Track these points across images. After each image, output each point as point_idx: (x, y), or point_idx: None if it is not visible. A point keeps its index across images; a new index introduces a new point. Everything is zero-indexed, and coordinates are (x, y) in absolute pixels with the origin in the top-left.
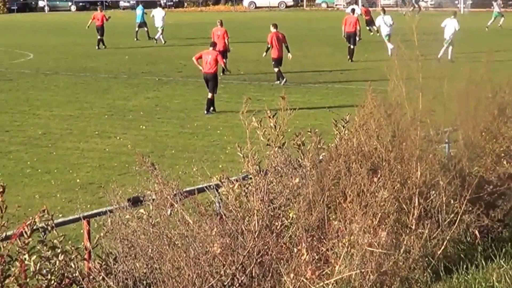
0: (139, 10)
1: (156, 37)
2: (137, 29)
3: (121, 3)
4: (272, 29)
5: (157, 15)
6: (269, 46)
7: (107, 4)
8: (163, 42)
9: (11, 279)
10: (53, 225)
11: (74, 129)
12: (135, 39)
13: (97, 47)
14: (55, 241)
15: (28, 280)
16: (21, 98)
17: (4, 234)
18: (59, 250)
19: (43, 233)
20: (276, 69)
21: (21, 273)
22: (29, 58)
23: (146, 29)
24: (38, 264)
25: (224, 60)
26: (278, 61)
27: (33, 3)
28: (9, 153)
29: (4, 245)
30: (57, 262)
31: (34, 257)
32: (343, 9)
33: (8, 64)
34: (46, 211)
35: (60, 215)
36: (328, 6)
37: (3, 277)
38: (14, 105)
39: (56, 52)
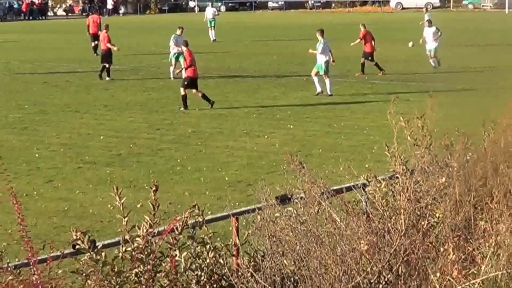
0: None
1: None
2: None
3: (270, 4)
4: (362, 28)
5: (208, 12)
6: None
7: (255, 5)
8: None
9: (161, 274)
10: (203, 221)
11: (223, 128)
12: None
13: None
14: (205, 237)
15: (178, 275)
16: (172, 97)
17: (156, 231)
18: (208, 247)
19: (193, 230)
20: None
21: (172, 269)
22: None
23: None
24: (189, 260)
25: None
26: (368, 55)
27: (183, 3)
28: (160, 151)
29: (156, 241)
30: (207, 258)
31: (184, 253)
32: (490, 10)
33: (159, 63)
34: (196, 207)
35: (209, 212)
36: (474, 7)
37: (154, 272)
38: (165, 104)
39: (206, 52)
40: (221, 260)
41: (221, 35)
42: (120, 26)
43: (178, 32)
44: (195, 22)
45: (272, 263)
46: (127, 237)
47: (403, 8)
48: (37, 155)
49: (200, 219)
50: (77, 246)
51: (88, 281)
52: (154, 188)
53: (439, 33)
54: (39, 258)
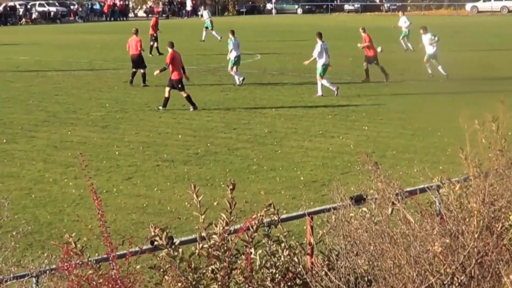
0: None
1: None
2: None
3: (346, 7)
4: (363, 33)
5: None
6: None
7: (332, 7)
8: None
9: (237, 271)
10: (279, 220)
11: (298, 128)
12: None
13: None
14: (280, 236)
15: (253, 273)
16: (248, 97)
17: (232, 228)
18: (283, 245)
19: (268, 228)
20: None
21: (247, 266)
22: (256, 58)
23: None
24: (264, 258)
25: None
26: (372, 59)
27: (261, 5)
28: (236, 150)
29: (232, 238)
30: (282, 256)
31: (259, 251)
32: None
33: None
34: (272, 205)
35: (284, 211)
36: None
37: (230, 269)
38: (242, 103)
39: (283, 53)
40: (295, 259)
41: (298, 37)
42: (198, 28)
43: (231, 35)
44: (273, 24)
45: (346, 263)
46: (204, 234)
47: (478, 12)
48: (117, 153)
49: (276, 218)
50: (155, 242)
51: (166, 277)
52: (231, 187)
53: (435, 39)
54: (118, 253)
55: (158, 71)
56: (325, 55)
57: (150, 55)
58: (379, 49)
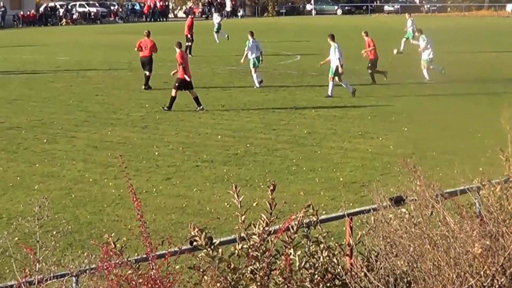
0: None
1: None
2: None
3: (386, 7)
4: (366, 36)
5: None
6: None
7: (371, 8)
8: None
9: (276, 272)
10: (318, 221)
11: (338, 129)
12: None
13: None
14: (319, 236)
15: (292, 273)
16: (288, 98)
17: (271, 229)
18: (323, 246)
19: (307, 229)
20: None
21: (286, 267)
22: (296, 59)
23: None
24: (303, 259)
25: None
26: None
27: (300, 6)
28: (275, 150)
29: (271, 239)
30: (321, 257)
31: (299, 252)
32: None
33: (276, 65)
34: (311, 206)
35: (324, 212)
36: None
37: (269, 270)
38: (281, 104)
39: (322, 54)
40: (334, 259)
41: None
42: (238, 28)
43: (250, 36)
44: (312, 25)
45: (385, 264)
46: (243, 234)
47: None
48: (156, 153)
49: (315, 219)
50: (195, 243)
51: (205, 277)
52: (271, 187)
53: (425, 41)
54: (157, 253)
55: (175, 72)
56: (340, 56)
57: (190, 56)
58: (394, 51)
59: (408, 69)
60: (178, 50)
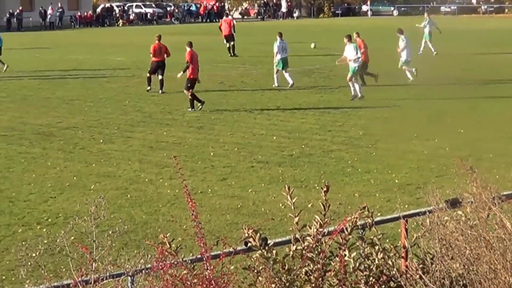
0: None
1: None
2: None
3: (442, 8)
4: (357, 37)
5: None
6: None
7: (428, 9)
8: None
9: (331, 273)
10: (373, 223)
11: (393, 130)
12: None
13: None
14: (374, 238)
15: (347, 275)
16: (343, 99)
17: (326, 230)
18: (377, 248)
19: (362, 230)
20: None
21: (341, 269)
22: None
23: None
24: (358, 261)
25: None
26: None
27: (356, 7)
28: (331, 152)
29: (326, 240)
30: (376, 259)
31: (353, 254)
32: None
33: (331, 66)
34: (366, 208)
35: (379, 214)
36: None
37: (323, 271)
38: (336, 105)
39: (377, 55)
40: (389, 262)
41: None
42: (293, 29)
43: (278, 37)
44: (368, 26)
45: (441, 266)
46: (298, 236)
47: None
48: (212, 154)
49: (370, 220)
50: (249, 244)
51: (259, 278)
52: (325, 188)
53: (404, 42)
54: (212, 253)
55: (181, 73)
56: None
57: (234, 55)
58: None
59: (461, 71)
60: (188, 49)
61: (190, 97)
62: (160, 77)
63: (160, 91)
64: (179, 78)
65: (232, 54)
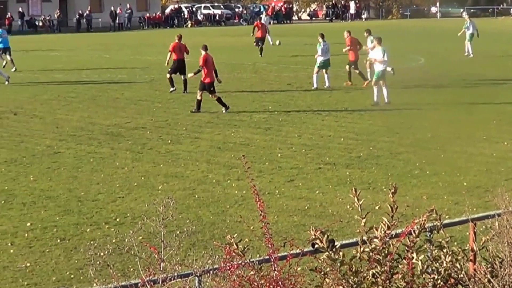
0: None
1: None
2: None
3: None
4: (347, 34)
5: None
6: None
7: (497, 11)
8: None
9: (398, 276)
10: (441, 225)
11: (462, 133)
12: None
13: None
14: (442, 241)
15: (414, 278)
16: (411, 101)
17: (393, 233)
18: (445, 251)
19: (430, 233)
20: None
21: (408, 271)
22: (420, 62)
23: None
24: (426, 263)
25: None
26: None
27: (425, 9)
28: (398, 154)
29: (393, 242)
30: (444, 262)
31: (421, 256)
32: None
33: (399, 67)
34: (434, 211)
35: (447, 217)
36: None
37: (391, 273)
38: (404, 107)
39: (446, 57)
40: (457, 265)
41: (462, 41)
42: (361, 31)
43: (320, 39)
44: (437, 27)
45: (510, 270)
46: (365, 237)
47: None
48: (279, 155)
49: (438, 223)
50: (316, 245)
51: (326, 280)
52: (392, 190)
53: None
54: (279, 255)
55: (192, 74)
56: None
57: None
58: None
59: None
60: (203, 53)
61: (216, 100)
62: (182, 77)
63: (184, 92)
64: (190, 78)
65: (261, 55)
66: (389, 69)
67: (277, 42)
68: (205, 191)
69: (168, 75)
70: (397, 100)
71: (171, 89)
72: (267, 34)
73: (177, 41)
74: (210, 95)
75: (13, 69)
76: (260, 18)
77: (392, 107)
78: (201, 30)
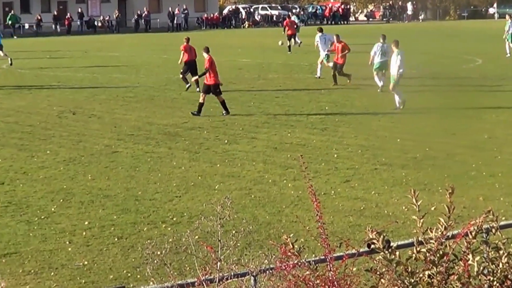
0: None
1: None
2: None
3: None
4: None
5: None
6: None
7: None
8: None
9: (454, 277)
10: (498, 227)
11: None
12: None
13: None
14: (498, 243)
15: (470, 279)
16: (467, 103)
17: (449, 234)
18: (502, 252)
19: (486, 235)
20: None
21: (464, 272)
22: (477, 63)
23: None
24: (482, 265)
25: None
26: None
27: (483, 10)
28: (454, 155)
29: (450, 244)
30: (500, 263)
31: (477, 258)
32: None
33: (457, 69)
34: (491, 212)
35: (503, 218)
36: None
37: (447, 275)
38: (460, 109)
39: (504, 59)
40: None
41: None
42: (418, 32)
43: (382, 40)
44: (494, 28)
45: None
46: (421, 238)
47: None
48: (335, 155)
49: (494, 224)
50: (372, 246)
51: (382, 280)
52: (449, 191)
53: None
54: (335, 255)
55: (197, 77)
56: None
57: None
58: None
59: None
60: (206, 56)
61: (220, 102)
62: (193, 78)
63: (197, 90)
64: (194, 80)
65: (290, 51)
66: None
67: (280, 43)
68: (261, 191)
69: (181, 75)
70: (454, 101)
71: (187, 86)
72: (297, 33)
73: (185, 43)
74: (217, 96)
75: (10, 62)
76: (289, 17)
77: (449, 109)
78: (259, 31)
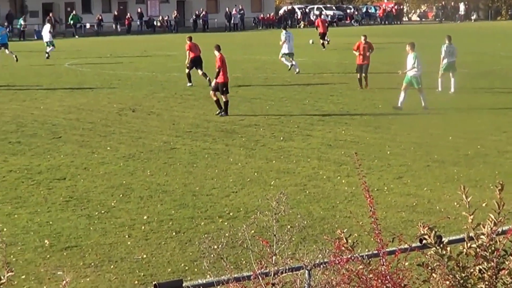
0: None
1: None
2: None
3: None
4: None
5: None
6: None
7: None
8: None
9: (504, 272)
10: None
11: None
12: None
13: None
14: None
15: None
16: None
17: (500, 229)
18: None
19: None
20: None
21: None
22: None
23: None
24: None
25: None
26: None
27: None
28: (506, 152)
29: (500, 239)
30: None
31: None
32: None
33: (509, 68)
34: None
35: None
36: None
37: (497, 269)
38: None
39: None
40: None
41: None
42: (469, 32)
43: (447, 41)
44: None
45: None
46: (471, 234)
47: None
48: (388, 152)
49: None
50: (424, 241)
51: (433, 275)
52: (499, 187)
53: (284, 37)
54: (388, 249)
55: (214, 80)
56: (419, 65)
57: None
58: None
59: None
60: (218, 54)
61: (223, 102)
62: (200, 72)
63: (209, 84)
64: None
65: (324, 48)
66: (288, 64)
67: (310, 41)
68: (316, 187)
69: (187, 70)
70: (505, 99)
71: (188, 84)
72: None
73: (189, 42)
74: (222, 95)
75: (15, 59)
76: (321, 15)
77: (502, 107)
78: (313, 31)
